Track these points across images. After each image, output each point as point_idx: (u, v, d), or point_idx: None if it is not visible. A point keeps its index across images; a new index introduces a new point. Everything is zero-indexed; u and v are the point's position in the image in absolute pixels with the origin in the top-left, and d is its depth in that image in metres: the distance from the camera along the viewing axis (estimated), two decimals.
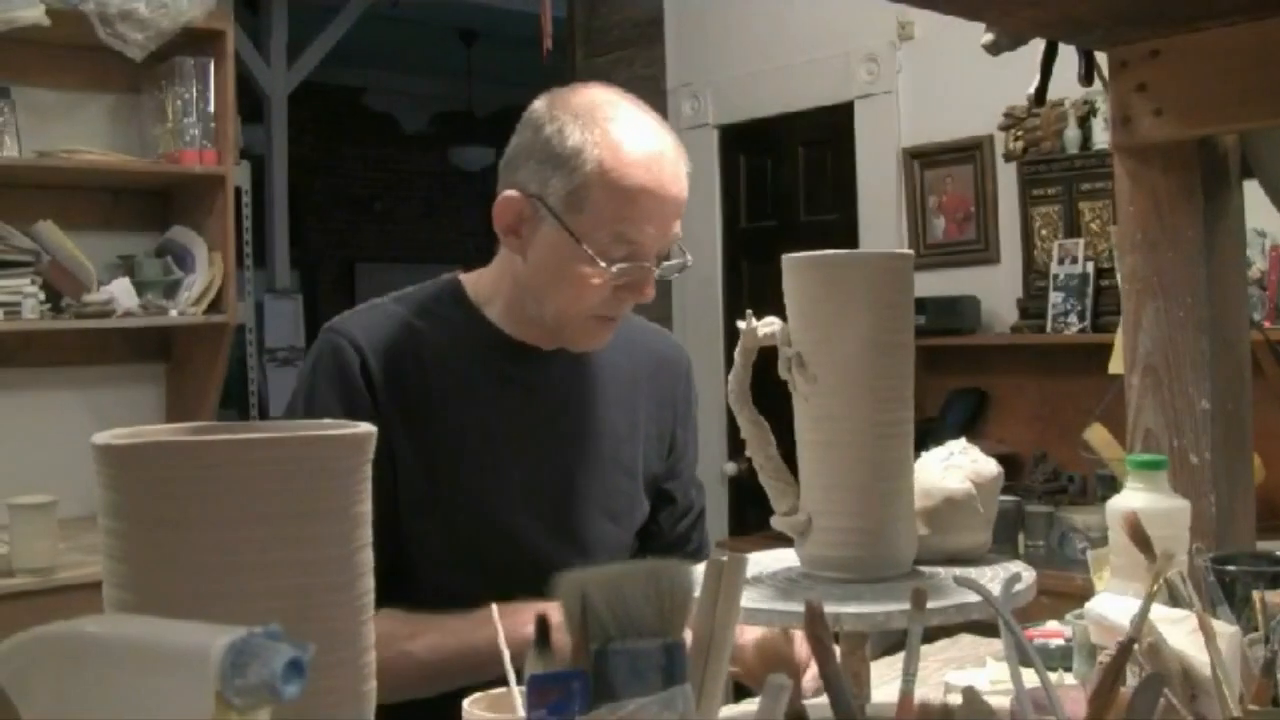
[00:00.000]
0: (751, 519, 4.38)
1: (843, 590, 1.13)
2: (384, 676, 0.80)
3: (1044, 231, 3.81)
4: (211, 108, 3.37)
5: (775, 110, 4.47)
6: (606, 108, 1.42)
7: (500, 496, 1.47)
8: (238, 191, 3.71)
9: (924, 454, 1.29)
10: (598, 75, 4.72)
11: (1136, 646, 0.97)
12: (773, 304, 1.25)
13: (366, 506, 0.78)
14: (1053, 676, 1.04)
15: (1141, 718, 0.88)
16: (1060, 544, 3.36)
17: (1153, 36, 1.44)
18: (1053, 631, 1.46)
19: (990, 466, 1.28)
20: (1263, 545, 1.39)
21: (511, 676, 1.01)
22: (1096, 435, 2.91)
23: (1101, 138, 3.59)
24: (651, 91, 4.37)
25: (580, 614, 0.81)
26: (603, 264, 1.39)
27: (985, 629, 1.21)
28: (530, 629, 0.86)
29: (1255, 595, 1.09)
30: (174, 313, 3.32)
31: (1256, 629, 1.07)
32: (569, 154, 1.38)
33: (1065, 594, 2.04)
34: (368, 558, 0.78)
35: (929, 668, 1.47)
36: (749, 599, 1.09)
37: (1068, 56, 1.53)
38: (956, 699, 0.93)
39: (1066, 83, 1.57)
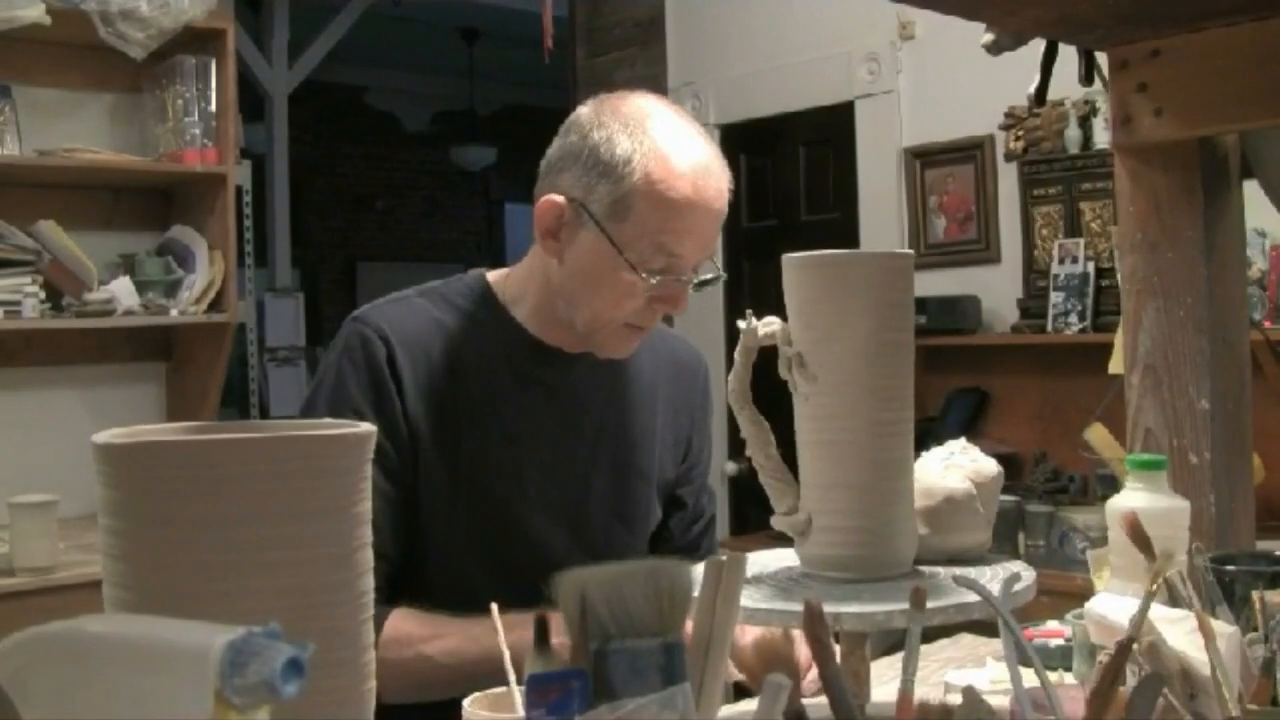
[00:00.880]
0: (752, 519, 4.38)
1: (843, 590, 1.13)
2: (400, 678, 0.79)
3: (1044, 231, 3.81)
4: (213, 106, 3.37)
5: (776, 110, 4.47)
6: (655, 118, 1.42)
7: (518, 494, 1.47)
8: (239, 190, 3.71)
9: (924, 454, 1.29)
10: (599, 75, 4.73)
11: (1136, 646, 0.97)
12: (773, 304, 1.25)
13: (367, 506, 0.78)
14: (1052, 676, 1.04)
15: (1141, 718, 0.88)
16: (1060, 544, 3.36)
17: (1153, 36, 1.44)
18: (1052, 631, 1.46)
19: (990, 466, 1.28)
20: (1262, 545, 1.39)
21: (512, 676, 1.01)
22: (1096, 435, 2.90)
23: (1102, 137, 3.59)
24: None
25: (580, 613, 0.81)
26: (643, 274, 1.39)
27: (985, 629, 1.21)
28: None
29: (1255, 595, 1.09)
30: (175, 312, 3.32)
31: (1256, 629, 1.07)
32: (617, 162, 1.38)
33: (1065, 594, 2.04)
34: (368, 557, 0.78)
35: (929, 667, 1.47)
36: (749, 599, 1.09)
37: (1068, 56, 1.53)
38: (956, 699, 0.93)
39: (1067, 82, 1.57)
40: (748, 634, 1.42)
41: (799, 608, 0.93)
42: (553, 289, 1.47)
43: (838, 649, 1.12)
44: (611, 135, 1.40)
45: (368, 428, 0.78)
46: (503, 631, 1.05)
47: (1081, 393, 3.43)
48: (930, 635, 1.59)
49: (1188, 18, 1.39)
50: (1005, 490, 1.59)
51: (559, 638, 0.84)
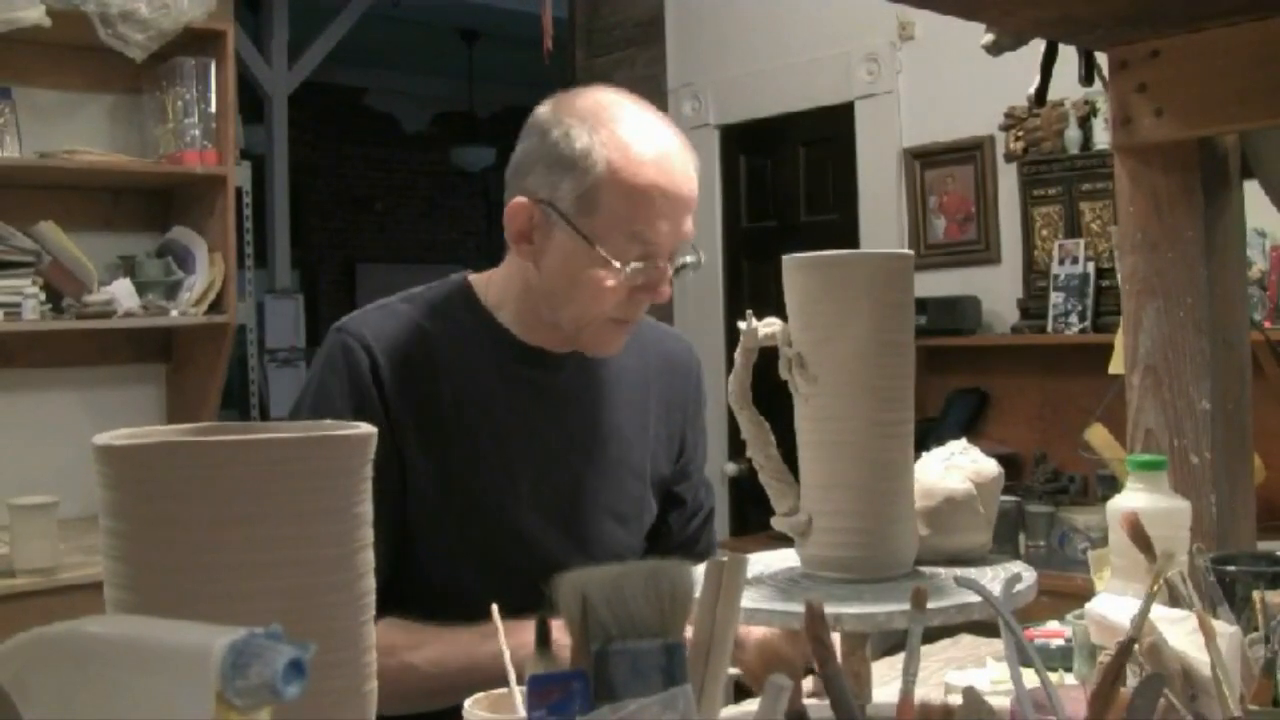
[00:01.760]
0: (752, 519, 4.38)
1: (843, 590, 1.13)
2: (386, 688, 0.80)
3: (1044, 231, 3.81)
4: (212, 108, 3.37)
5: (776, 110, 4.48)
6: (612, 108, 1.42)
7: (510, 498, 1.46)
8: (238, 192, 3.71)
9: (924, 454, 1.29)
10: (599, 75, 4.73)
11: (1136, 646, 0.97)
12: (773, 304, 1.25)
13: (367, 506, 0.78)
14: (1053, 677, 1.04)
15: (1141, 718, 0.88)
16: (1061, 544, 3.36)
17: (1153, 36, 1.44)
18: (1053, 631, 1.46)
19: (991, 467, 1.28)
20: (1263, 545, 1.39)
21: (512, 676, 1.01)
22: (1097, 435, 2.90)
23: (1102, 138, 3.59)
24: (652, 91, 4.37)
25: (580, 614, 0.81)
26: (617, 265, 1.39)
27: (986, 629, 1.21)
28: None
29: (1255, 595, 1.09)
30: (175, 313, 3.32)
31: (1256, 629, 1.07)
32: (578, 156, 1.38)
33: (1065, 594, 2.04)
34: (368, 558, 0.78)
35: (929, 668, 1.47)
36: (749, 599, 1.09)
37: (1068, 56, 1.53)
38: (957, 699, 0.93)
39: (1067, 83, 1.57)
40: (753, 635, 1.42)
41: (800, 608, 0.93)
42: (534, 292, 1.46)
43: (838, 649, 1.12)
44: (570, 130, 1.39)
45: (368, 429, 0.78)
46: (503, 631, 1.05)
47: (1082, 393, 3.43)
48: (931, 636, 1.59)
49: (1187, 18, 1.39)
50: (1006, 491, 1.59)
51: (560, 638, 0.84)
